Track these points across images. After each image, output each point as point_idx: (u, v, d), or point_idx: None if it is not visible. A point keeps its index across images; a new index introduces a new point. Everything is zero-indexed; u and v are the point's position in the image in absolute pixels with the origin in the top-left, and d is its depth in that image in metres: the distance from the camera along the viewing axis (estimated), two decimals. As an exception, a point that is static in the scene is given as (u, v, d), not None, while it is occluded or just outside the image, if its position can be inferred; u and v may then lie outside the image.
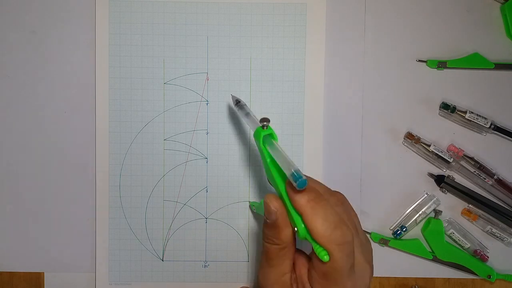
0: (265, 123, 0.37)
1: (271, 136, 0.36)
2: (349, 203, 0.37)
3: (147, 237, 0.49)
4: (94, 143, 0.49)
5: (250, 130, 0.48)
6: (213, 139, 0.49)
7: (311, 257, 0.35)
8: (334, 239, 0.31)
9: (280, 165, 0.34)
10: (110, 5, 0.48)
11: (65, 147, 0.49)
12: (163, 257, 0.49)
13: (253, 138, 0.49)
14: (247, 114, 0.41)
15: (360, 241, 0.35)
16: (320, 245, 0.32)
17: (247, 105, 0.42)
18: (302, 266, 0.36)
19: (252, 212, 0.49)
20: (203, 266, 0.49)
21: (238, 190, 0.49)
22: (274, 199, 0.34)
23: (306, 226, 0.32)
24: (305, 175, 0.32)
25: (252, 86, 0.48)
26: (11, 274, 0.50)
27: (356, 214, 0.37)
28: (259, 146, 0.37)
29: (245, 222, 0.49)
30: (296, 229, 0.33)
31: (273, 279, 0.36)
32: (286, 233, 0.34)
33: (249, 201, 0.49)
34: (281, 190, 0.34)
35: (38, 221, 0.49)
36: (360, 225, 0.37)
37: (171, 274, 0.49)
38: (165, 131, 0.49)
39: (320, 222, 0.32)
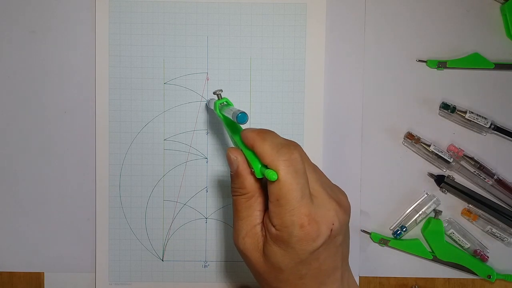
0: (218, 92, 0.41)
1: (227, 104, 0.41)
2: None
3: (147, 237, 0.49)
4: (94, 143, 0.49)
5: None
6: (213, 139, 0.49)
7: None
8: (280, 155, 0.33)
9: (229, 116, 0.37)
10: (110, 5, 0.48)
11: (65, 147, 0.49)
12: (163, 257, 0.49)
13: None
14: (209, 102, 0.46)
15: (319, 176, 0.35)
16: (270, 168, 0.33)
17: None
18: (267, 215, 0.35)
19: None
20: (203, 266, 0.49)
21: (238, 190, 0.49)
22: (234, 150, 0.36)
23: (258, 158, 0.34)
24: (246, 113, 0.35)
25: (252, 86, 0.48)
26: (11, 274, 0.50)
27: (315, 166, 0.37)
28: (218, 115, 0.41)
29: (245, 222, 0.49)
30: (253, 170, 0.35)
31: (244, 231, 0.36)
32: (250, 181, 0.35)
33: None
34: (236, 141, 0.37)
35: (38, 221, 0.49)
36: (322, 172, 0.37)
37: (171, 274, 0.49)
38: (165, 131, 0.49)
39: (268, 144, 0.33)
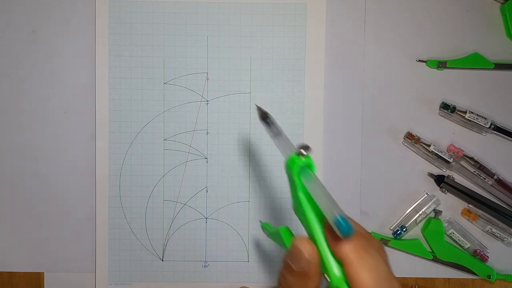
0: (304, 151, 0.29)
1: (309, 167, 0.29)
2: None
3: (147, 237, 0.49)
4: (94, 143, 0.49)
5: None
6: (213, 139, 0.49)
7: None
8: None
9: (319, 204, 0.28)
10: (110, 5, 0.48)
11: (65, 147, 0.49)
12: (163, 257, 0.49)
13: (253, 139, 0.49)
14: (278, 134, 0.33)
15: None
16: None
17: (276, 122, 0.34)
18: None
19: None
20: (203, 266, 0.49)
21: (238, 190, 0.49)
22: (308, 244, 0.28)
23: (345, 276, 0.27)
24: (349, 218, 0.26)
25: (252, 86, 0.48)
26: (11, 274, 0.50)
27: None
28: (290, 176, 0.30)
29: (245, 222, 0.49)
30: (327, 277, 0.28)
31: None
32: (315, 283, 0.29)
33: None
34: (313, 232, 0.29)
35: (38, 221, 0.49)
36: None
37: (171, 274, 0.49)
38: (165, 131, 0.49)
39: (368, 274, 0.27)
